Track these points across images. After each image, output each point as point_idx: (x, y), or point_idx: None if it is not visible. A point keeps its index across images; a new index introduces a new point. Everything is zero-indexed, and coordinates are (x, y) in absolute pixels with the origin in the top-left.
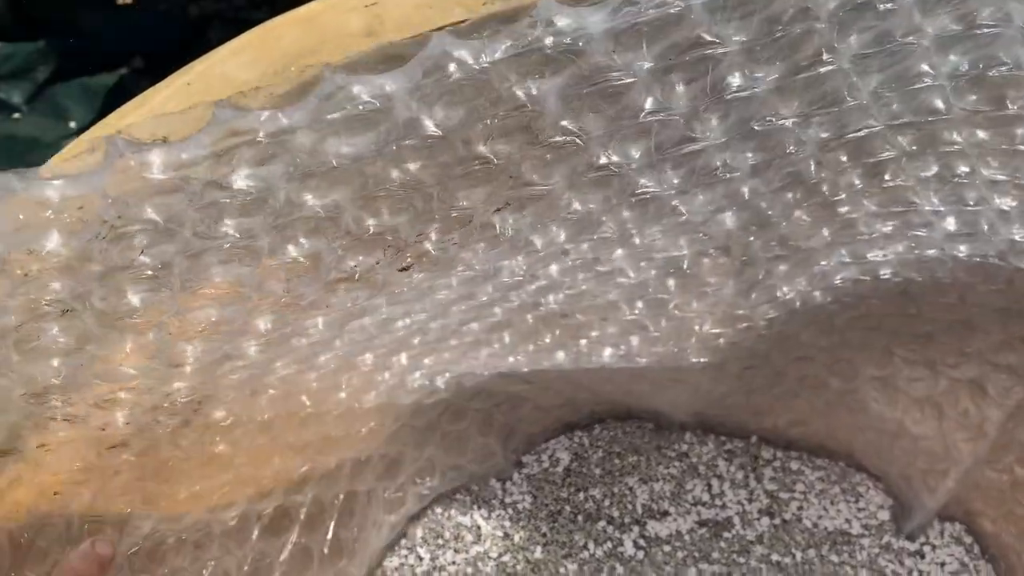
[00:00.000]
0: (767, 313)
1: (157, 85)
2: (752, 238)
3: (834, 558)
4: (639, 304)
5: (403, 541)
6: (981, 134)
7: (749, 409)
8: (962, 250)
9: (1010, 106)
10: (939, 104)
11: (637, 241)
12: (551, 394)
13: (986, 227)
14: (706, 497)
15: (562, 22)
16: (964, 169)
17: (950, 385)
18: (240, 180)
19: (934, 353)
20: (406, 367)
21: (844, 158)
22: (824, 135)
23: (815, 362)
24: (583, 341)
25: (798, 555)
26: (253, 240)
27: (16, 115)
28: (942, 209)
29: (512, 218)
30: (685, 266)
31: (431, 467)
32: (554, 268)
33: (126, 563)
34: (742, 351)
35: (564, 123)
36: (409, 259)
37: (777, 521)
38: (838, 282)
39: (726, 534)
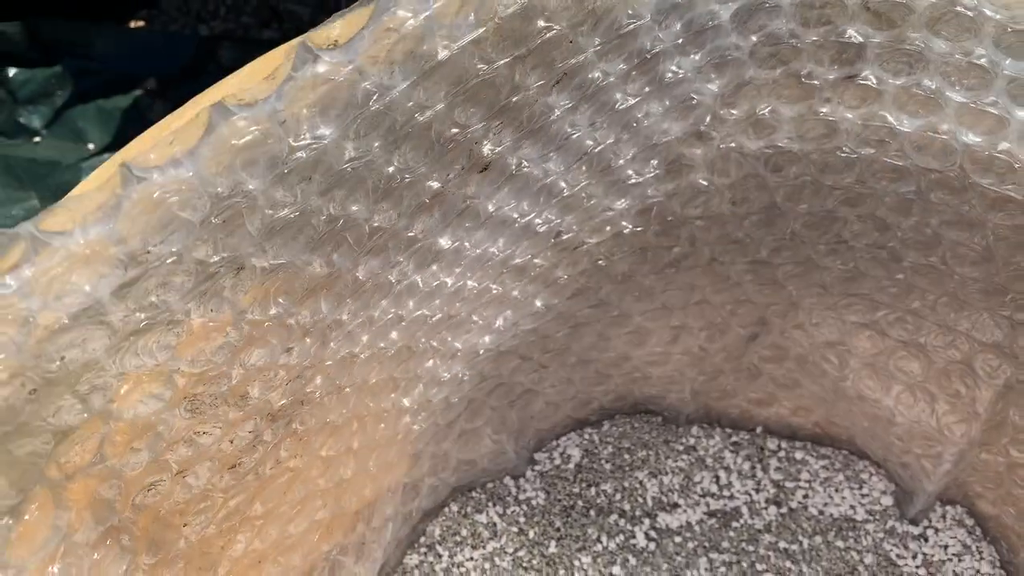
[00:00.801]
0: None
1: (168, 116)
2: None
3: (840, 544)
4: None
5: (422, 539)
6: None
7: (753, 399)
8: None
9: None
10: None
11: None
12: (563, 383)
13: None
14: (714, 488)
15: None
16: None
17: (941, 367)
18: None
19: (924, 335)
20: (445, 351)
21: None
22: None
23: (809, 341)
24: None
25: (805, 542)
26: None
27: (36, 139)
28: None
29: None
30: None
31: (446, 461)
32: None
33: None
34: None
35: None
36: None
37: (784, 510)
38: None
39: (735, 524)
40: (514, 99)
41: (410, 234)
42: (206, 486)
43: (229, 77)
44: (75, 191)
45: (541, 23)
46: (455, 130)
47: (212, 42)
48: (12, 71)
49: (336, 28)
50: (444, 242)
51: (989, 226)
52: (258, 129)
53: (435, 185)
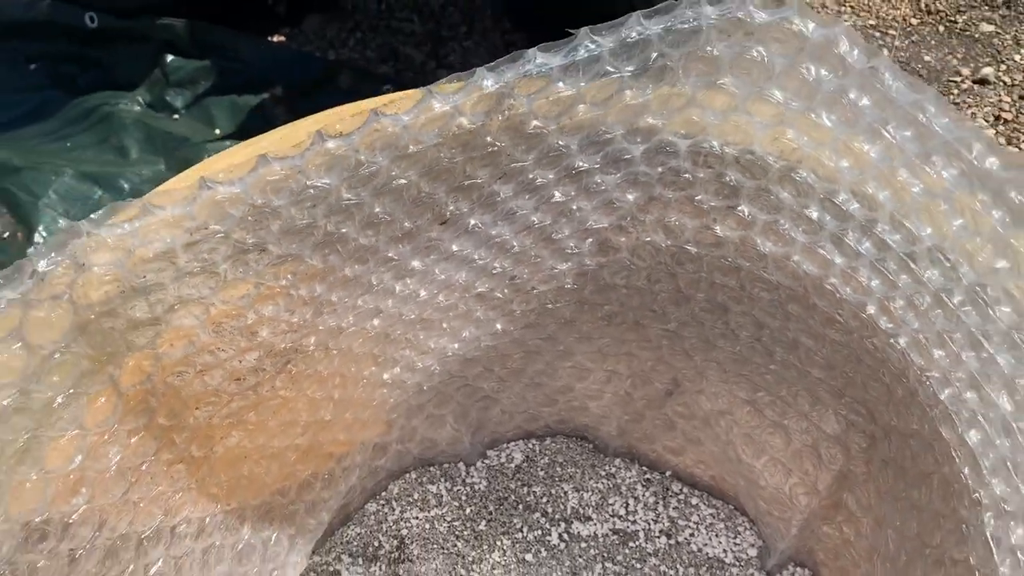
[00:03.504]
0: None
1: (234, 150)
2: None
3: None
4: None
5: (382, 494)
6: None
7: (667, 447)
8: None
9: None
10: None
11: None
12: (518, 398)
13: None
14: (622, 512)
15: None
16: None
17: (797, 447)
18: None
19: (788, 418)
20: (419, 345)
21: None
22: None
23: (709, 405)
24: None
25: (681, 570)
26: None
27: (176, 116)
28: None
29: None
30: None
31: (413, 434)
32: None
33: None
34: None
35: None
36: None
37: (672, 541)
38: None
39: (631, 543)
40: (467, 183)
41: (388, 254)
42: (216, 387)
43: (271, 135)
44: (169, 183)
45: (488, 139)
46: (423, 195)
47: (336, 66)
48: (170, 58)
49: (340, 125)
50: (416, 264)
51: (827, 339)
52: (285, 174)
53: (407, 225)
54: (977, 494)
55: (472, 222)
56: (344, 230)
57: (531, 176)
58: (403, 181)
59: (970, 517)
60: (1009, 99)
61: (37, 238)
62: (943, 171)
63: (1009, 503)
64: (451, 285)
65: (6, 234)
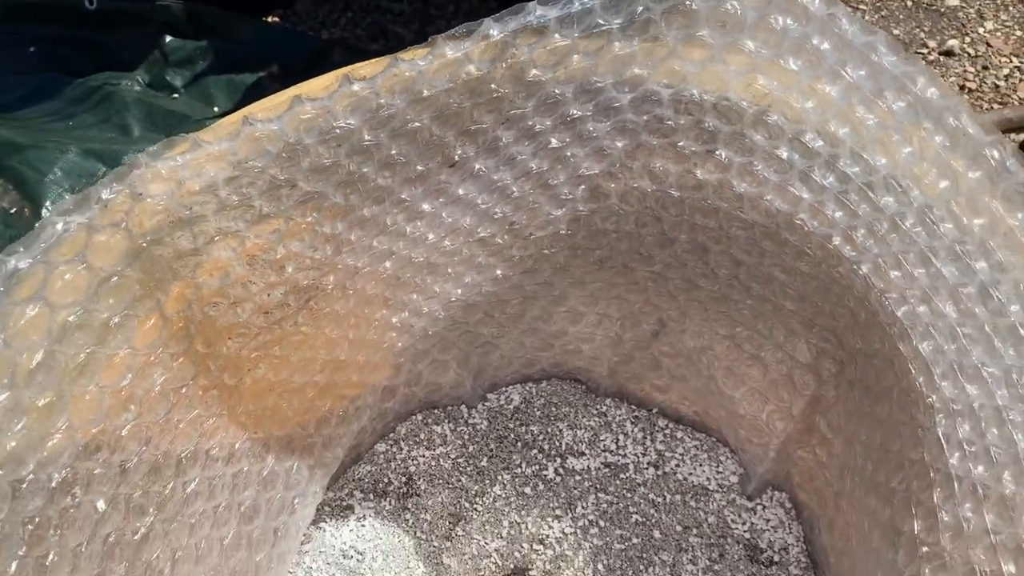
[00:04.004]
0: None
1: (272, 96)
2: None
3: (693, 504)
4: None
5: (391, 435)
6: None
7: (655, 385)
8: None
9: None
10: None
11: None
12: (516, 344)
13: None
14: (613, 447)
15: None
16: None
17: (773, 377)
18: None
19: (764, 350)
20: (425, 290)
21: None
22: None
23: (692, 343)
24: None
25: (668, 498)
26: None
27: (175, 95)
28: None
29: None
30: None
31: (419, 378)
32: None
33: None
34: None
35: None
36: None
37: (659, 472)
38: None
39: (622, 475)
40: (473, 127)
41: (402, 196)
42: (247, 319)
43: (307, 82)
44: (218, 123)
45: (493, 86)
46: (434, 137)
47: (329, 45)
48: (168, 39)
49: (366, 68)
50: (426, 207)
51: (798, 272)
52: (315, 113)
53: (420, 168)
54: (930, 399)
55: (477, 166)
56: (365, 170)
57: (530, 123)
58: (417, 124)
59: (925, 421)
60: (973, 69)
61: (44, 213)
62: (894, 104)
63: (957, 403)
64: (457, 229)
65: (13, 210)
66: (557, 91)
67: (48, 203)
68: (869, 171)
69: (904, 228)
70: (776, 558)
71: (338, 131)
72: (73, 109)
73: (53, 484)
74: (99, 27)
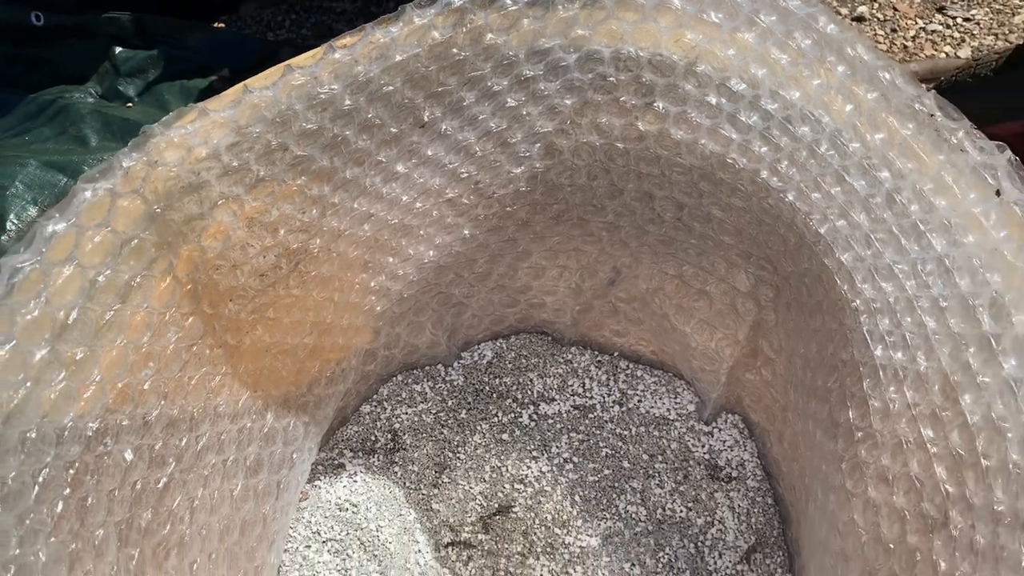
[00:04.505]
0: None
1: (269, 70)
2: None
3: (656, 433)
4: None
5: (374, 396)
6: None
7: (614, 330)
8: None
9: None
10: None
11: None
12: (485, 302)
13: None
14: (580, 390)
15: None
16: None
17: (719, 307)
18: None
19: (709, 285)
20: (400, 252)
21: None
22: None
23: (644, 286)
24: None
25: (633, 430)
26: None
27: (129, 104)
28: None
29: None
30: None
31: (397, 341)
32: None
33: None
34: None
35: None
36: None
37: (624, 409)
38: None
39: (590, 415)
40: (440, 89)
41: (379, 158)
42: (244, 282)
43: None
44: (221, 94)
45: (455, 51)
46: (406, 100)
47: (276, 46)
48: (118, 50)
49: (346, 38)
50: (400, 168)
51: (733, 207)
52: (304, 80)
53: (393, 129)
54: (855, 303)
55: (444, 126)
56: (346, 132)
57: (489, 83)
58: (390, 88)
59: (851, 323)
60: (883, 32)
61: (9, 226)
62: (802, 43)
63: (876, 301)
64: (427, 190)
65: None
66: (511, 53)
67: (12, 216)
68: (787, 106)
69: (820, 153)
70: (735, 474)
71: (323, 96)
72: (28, 124)
73: (89, 433)
74: (48, 43)
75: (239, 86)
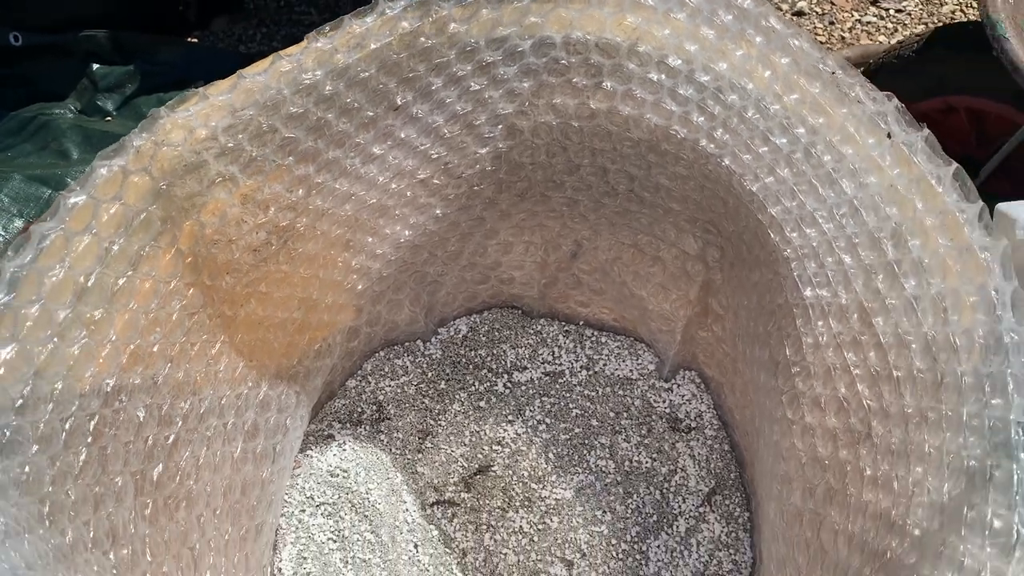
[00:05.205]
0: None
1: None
2: None
3: (621, 393)
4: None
5: (358, 372)
6: None
7: (578, 301)
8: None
9: None
10: None
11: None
12: (458, 280)
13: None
14: (550, 358)
15: None
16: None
17: (671, 271)
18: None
19: (662, 251)
20: (379, 231)
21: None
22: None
23: (604, 257)
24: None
25: (600, 391)
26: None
27: (108, 118)
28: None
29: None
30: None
31: (378, 318)
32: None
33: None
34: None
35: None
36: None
37: (591, 372)
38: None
39: (560, 380)
40: (410, 75)
41: (357, 139)
42: (239, 257)
43: (290, 48)
44: (219, 81)
45: (423, 39)
46: (380, 86)
47: (248, 59)
48: (96, 66)
49: (328, 28)
50: (376, 150)
51: (678, 176)
52: (292, 67)
53: (370, 113)
54: (786, 252)
55: (415, 110)
56: (328, 115)
57: (454, 69)
58: (366, 74)
59: (783, 270)
60: (822, 25)
61: None
62: (725, 18)
63: (804, 247)
64: (401, 172)
65: None
66: (472, 40)
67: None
68: (717, 77)
69: (748, 117)
70: (693, 424)
71: (307, 82)
72: (10, 140)
73: (107, 389)
74: (27, 62)
75: (236, 74)
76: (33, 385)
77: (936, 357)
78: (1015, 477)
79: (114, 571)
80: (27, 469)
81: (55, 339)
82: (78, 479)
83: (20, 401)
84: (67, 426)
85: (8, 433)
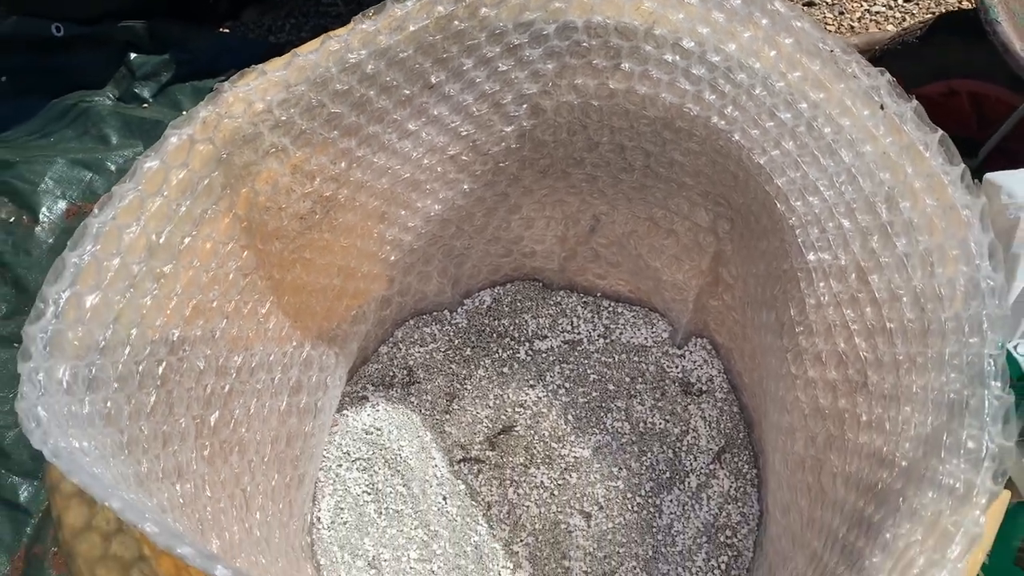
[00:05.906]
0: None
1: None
2: None
3: (636, 359)
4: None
5: (390, 339)
6: None
7: (596, 274)
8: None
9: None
10: None
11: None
12: (483, 253)
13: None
14: (569, 328)
15: None
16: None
17: (685, 243)
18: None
19: (676, 224)
20: (411, 205)
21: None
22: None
23: (621, 231)
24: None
25: (616, 358)
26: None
27: (145, 105)
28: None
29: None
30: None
31: (409, 289)
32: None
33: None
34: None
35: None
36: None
37: (608, 340)
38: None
39: (578, 348)
40: (444, 56)
41: (395, 116)
42: (287, 224)
43: (339, 29)
44: (274, 59)
45: (456, 23)
46: (417, 65)
47: (277, 48)
48: (133, 56)
49: (372, 11)
50: (411, 126)
51: (691, 151)
52: (340, 47)
53: (407, 91)
54: (791, 220)
55: (448, 89)
56: (370, 92)
57: (484, 51)
58: (404, 54)
59: (789, 237)
60: (831, 15)
61: (42, 218)
62: (734, 2)
63: (808, 215)
64: (433, 148)
65: (12, 219)
66: (501, 24)
67: (44, 210)
68: (727, 58)
69: (755, 94)
70: (704, 388)
71: (352, 60)
72: (52, 127)
73: (173, 339)
74: (67, 52)
75: (291, 52)
76: (113, 329)
77: (924, 307)
78: (986, 402)
79: (181, 500)
80: (108, 404)
81: (131, 289)
82: (149, 417)
83: (103, 343)
84: (140, 369)
85: (94, 371)
